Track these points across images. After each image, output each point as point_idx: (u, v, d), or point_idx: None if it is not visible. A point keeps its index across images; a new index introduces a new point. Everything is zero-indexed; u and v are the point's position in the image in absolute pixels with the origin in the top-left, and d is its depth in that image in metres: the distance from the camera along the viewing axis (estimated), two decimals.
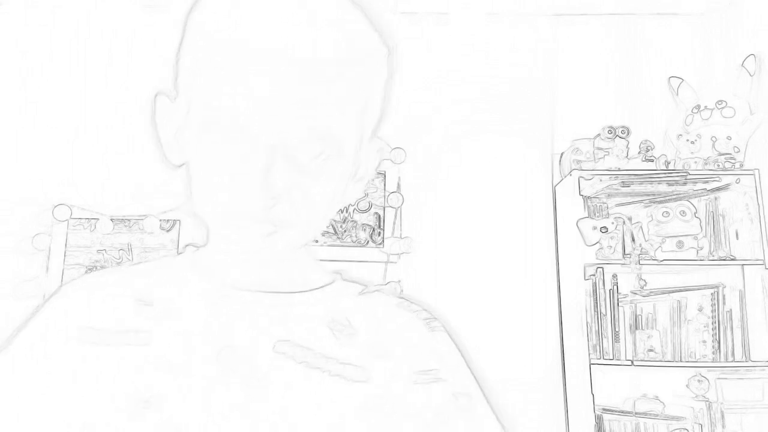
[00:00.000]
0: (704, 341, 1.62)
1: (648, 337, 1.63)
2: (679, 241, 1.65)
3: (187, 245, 0.90)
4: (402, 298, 0.89)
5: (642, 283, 1.64)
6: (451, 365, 0.85)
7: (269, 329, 0.81)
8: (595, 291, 1.64)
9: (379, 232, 1.63)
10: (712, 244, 1.66)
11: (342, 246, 1.61)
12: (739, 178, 1.64)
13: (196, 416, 0.77)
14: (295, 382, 0.78)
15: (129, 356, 0.79)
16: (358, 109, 0.83)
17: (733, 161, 1.65)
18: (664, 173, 1.65)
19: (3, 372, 0.81)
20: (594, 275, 1.64)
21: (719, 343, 1.61)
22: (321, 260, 0.92)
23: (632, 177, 1.65)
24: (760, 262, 1.61)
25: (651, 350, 1.62)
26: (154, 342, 0.80)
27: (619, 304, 1.65)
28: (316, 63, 0.79)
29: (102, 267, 1.57)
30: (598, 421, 1.57)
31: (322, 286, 0.87)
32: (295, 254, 0.87)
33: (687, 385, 1.59)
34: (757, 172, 1.64)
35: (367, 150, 0.87)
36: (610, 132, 1.67)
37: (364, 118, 0.85)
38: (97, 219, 1.59)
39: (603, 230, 1.64)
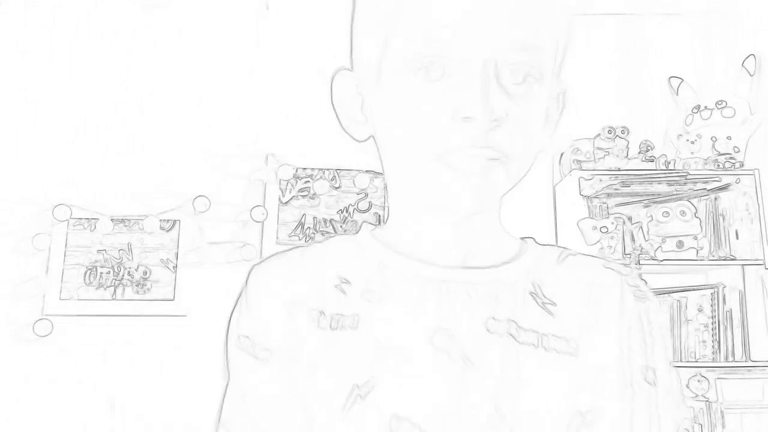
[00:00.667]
0: (704, 341, 1.62)
1: None
2: (679, 241, 1.65)
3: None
4: (608, 260, 0.86)
5: None
6: (652, 338, 0.81)
7: (478, 307, 0.78)
8: None
9: None
10: (712, 244, 1.66)
11: None
12: (739, 178, 1.64)
13: (413, 402, 0.75)
14: (511, 361, 0.76)
15: (341, 340, 0.77)
16: (558, 30, 0.82)
17: (733, 161, 1.65)
18: (664, 173, 1.65)
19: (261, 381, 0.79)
20: None
21: (719, 343, 1.61)
22: None
23: (632, 177, 1.65)
24: (760, 262, 1.61)
25: None
26: (362, 325, 0.78)
27: None
28: None
29: (102, 267, 1.57)
30: None
31: (519, 255, 0.84)
32: (490, 218, 0.85)
33: (687, 385, 1.59)
34: (757, 172, 1.64)
35: (554, 87, 0.84)
36: (610, 132, 1.67)
37: (559, 45, 0.83)
38: (97, 219, 1.59)
39: (603, 230, 1.64)
